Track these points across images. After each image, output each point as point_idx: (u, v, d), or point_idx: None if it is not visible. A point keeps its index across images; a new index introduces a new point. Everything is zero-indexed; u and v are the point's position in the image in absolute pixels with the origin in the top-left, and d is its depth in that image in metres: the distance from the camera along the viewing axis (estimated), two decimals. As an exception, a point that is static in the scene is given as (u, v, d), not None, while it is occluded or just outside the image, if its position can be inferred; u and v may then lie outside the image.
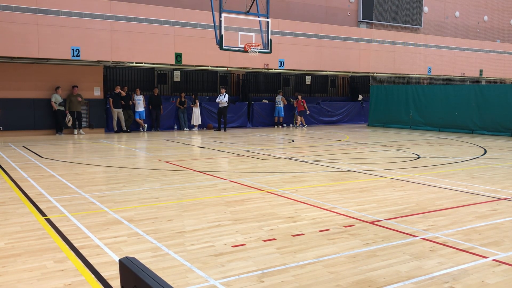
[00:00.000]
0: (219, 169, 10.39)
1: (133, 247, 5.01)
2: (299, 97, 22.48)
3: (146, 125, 19.75)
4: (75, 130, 18.11)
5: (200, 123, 20.53)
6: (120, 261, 1.95)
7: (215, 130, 20.15)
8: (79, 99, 17.93)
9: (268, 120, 22.93)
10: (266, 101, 23.38)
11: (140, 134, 18.79)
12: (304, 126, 22.58)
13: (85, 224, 5.84)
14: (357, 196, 7.53)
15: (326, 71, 23.95)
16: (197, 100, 20.35)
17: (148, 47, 18.54)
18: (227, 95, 19.93)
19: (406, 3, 28.66)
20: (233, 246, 5.04)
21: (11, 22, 16.02)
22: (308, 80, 26.00)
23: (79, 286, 4.05)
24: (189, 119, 20.47)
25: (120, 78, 20.57)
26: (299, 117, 22.68)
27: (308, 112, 22.97)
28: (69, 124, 17.92)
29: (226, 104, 19.90)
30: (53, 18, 16.67)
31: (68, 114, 17.83)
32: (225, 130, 19.95)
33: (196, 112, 20.37)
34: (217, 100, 19.91)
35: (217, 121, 20.56)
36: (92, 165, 10.78)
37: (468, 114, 19.59)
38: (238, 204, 6.93)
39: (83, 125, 18.50)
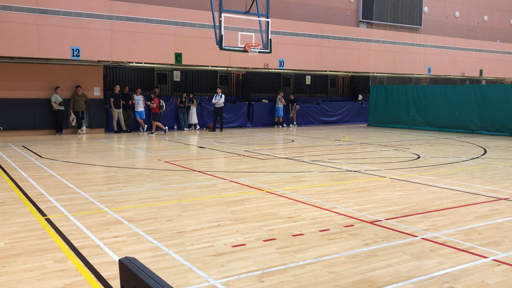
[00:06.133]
0: (219, 169, 10.39)
1: (133, 247, 5.01)
2: (152, 95, 18.46)
3: (146, 125, 19.74)
4: (79, 129, 18.13)
5: (196, 122, 20.52)
6: (120, 261, 1.95)
7: (209, 131, 19.91)
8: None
9: (268, 120, 22.92)
10: (266, 101, 23.36)
11: (140, 134, 18.78)
12: (152, 133, 18.24)
13: (85, 224, 5.84)
14: (357, 196, 7.53)
15: (326, 71, 23.95)
16: (194, 99, 20.34)
17: (148, 47, 18.54)
18: (223, 96, 19.86)
19: (406, 3, 28.65)
20: (233, 246, 5.04)
21: (11, 22, 16.01)
22: (308, 80, 26.00)
23: (79, 286, 4.05)
24: (187, 119, 20.55)
25: (120, 78, 20.57)
26: (154, 122, 18.46)
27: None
28: (73, 124, 17.93)
29: (222, 105, 19.82)
30: (53, 18, 16.67)
31: (72, 114, 17.85)
32: (221, 130, 19.88)
33: (193, 111, 20.40)
34: (213, 100, 19.75)
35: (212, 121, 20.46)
36: (92, 165, 10.78)
37: (468, 114, 19.58)
38: (238, 204, 6.93)
39: (84, 124, 18.50)
